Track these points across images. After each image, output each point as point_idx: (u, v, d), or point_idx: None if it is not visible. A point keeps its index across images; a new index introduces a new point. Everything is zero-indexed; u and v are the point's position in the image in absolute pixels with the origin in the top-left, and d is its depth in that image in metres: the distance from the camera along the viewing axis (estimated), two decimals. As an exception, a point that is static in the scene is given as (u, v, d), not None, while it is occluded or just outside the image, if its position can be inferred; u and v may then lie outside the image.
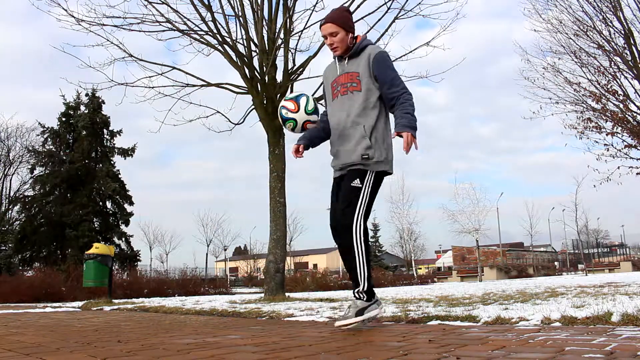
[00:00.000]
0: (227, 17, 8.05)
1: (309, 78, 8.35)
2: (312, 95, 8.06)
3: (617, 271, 32.04)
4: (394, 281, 27.35)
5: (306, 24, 8.06)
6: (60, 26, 7.95)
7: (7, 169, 29.25)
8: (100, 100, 28.75)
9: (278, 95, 7.96)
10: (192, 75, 8.23)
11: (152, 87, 8.27)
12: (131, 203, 28.90)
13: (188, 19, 7.94)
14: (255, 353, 2.05)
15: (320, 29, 2.98)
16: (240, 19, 7.97)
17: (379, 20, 8.09)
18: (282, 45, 7.94)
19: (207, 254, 40.28)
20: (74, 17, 7.80)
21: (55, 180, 26.95)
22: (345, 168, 2.91)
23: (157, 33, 8.00)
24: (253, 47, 8.04)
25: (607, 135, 10.20)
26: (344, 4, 7.83)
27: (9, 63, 61.55)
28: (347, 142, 2.88)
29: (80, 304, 8.39)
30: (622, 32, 9.80)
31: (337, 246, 2.96)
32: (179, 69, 8.21)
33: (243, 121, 8.60)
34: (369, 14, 8.10)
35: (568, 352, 1.78)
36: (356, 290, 2.81)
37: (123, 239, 28.06)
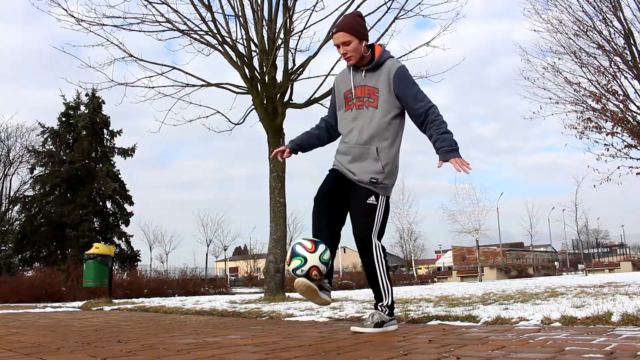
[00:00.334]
0: (227, 17, 8.06)
1: (309, 78, 8.36)
2: (312, 95, 8.09)
3: (617, 271, 32.03)
4: (394, 281, 27.31)
5: (306, 24, 8.07)
6: (60, 26, 7.97)
7: (7, 169, 29.28)
8: (100, 100, 28.75)
9: (278, 95, 7.96)
10: (192, 75, 8.24)
11: (152, 87, 8.28)
12: (131, 203, 28.91)
13: (188, 19, 7.95)
14: (255, 353, 2.05)
15: (332, 37, 2.84)
16: (240, 19, 7.98)
17: (379, 20, 8.10)
18: (282, 45, 7.94)
19: (207, 254, 40.31)
20: (74, 17, 7.81)
21: (55, 180, 26.95)
22: (358, 182, 2.80)
23: (157, 33, 8.02)
24: (253, 47, 8.04)
25: (607, 135, 10.21)
26: (344, 3, 7.85)
27: (9, 63, 61.58)
28: (360, 160, 2.79)
29: (80, 304, 8.39)
30: (622, 32, 9.81)
31: (316, 210, 2.86)
32: (179, 69, 8.22)
33: (243, 121, 8.61)
34: (369, 14, 8.12)
35: (568, 352, 1.78)
36: (379, 304, 2.75)
37: (123, 239, 28.06)
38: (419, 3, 7.92)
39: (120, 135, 29.38)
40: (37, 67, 64.48)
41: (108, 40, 7.98)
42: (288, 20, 7.89)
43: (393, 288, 2.85)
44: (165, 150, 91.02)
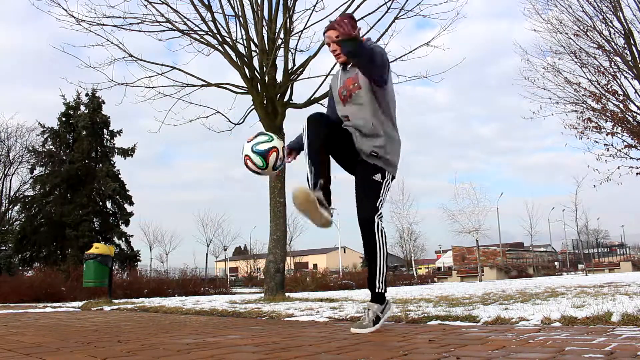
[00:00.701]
0: (227, 17, 8.06)
1: (309, 78, 8.37)
2: (312, 95, 8.09)
3: (617, 271, 32.04)
4: (394, 281, 27.34)
5: (306, 24, 8.07)
6: (60, 26, 7.96)
7: (7, 169, 29.24)
8: (100, 100, 28.75)
9: (278, 95, 7.96)
10: (192, 75, 8.24)
11: (152, 87, 8.28)
12: (131, 203, 28.91)
13: (188, 19, 7.95)
14: (255, 353, 2.05)
15: (323, 35, 2.96)
16: (240, 19, 7.98)
17: (379, 20, 8.09)
18: (282, 45, 7.94)
19: (207, 254, 40.30)
20: (74, 17, 7.81)
21: (55, 180, 26.96)
22: (364, 154, 2.87)
23: (157, 33, 8.02)
24: (253, 47, 8.04)
25: (607, 135, 10.22)
26: (344, 3, 7.86)
27: (9, 63, 61.58)
28: (358, 141, 2.88)
29: (80, 304, 8.39)
30: (622, 32, 9.81)
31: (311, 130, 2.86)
32: (179, 69, 8.22)
33: (243, 121, 8.61)
34: (369, 14, 8.12)
35: (568, 352, 1.78)
36: (377, 289, 2.79)
37: (123, 239, 28.06)
38: (419, 3, 7.92)
39: (120, 135, 29.41)
40: (37, 67, 64.52)
41: (108, 40, 7.99)
42: (288, 20, 7.89)
43: (389, 284, 2.91)
44: (165, 150, 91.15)
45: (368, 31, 7.94)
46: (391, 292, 8.73)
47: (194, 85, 8.27)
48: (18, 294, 13.91)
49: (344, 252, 49.86)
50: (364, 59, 2.68)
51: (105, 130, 29.09)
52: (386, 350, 2.03)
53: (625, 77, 10.06)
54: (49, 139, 28.31)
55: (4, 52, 55.63)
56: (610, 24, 9.90)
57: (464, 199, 30.61)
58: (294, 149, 3.15)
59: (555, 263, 46.05)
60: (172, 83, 8.26)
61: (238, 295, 11.99)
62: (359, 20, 7.73)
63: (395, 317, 3.41)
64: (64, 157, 27.91)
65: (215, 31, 7.86)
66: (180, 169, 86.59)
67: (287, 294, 7.75)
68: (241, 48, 8.05)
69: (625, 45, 9.83)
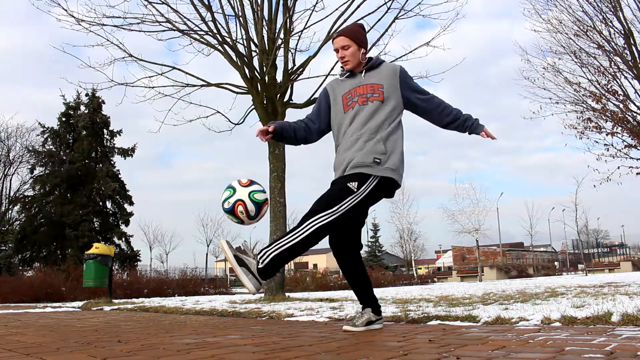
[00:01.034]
0: (227, 17, 8.06)
1: (309, 78, 8.36)
2: (312, 95, 8.09)
3: (617, 271, 32.02)
4: (394, 281, 27.33)
5: (306, 24, 8.07)
6: (60, 26, 7.97)
7: (7, 169, 29.24)
8: (100, 100, 28.73)
9: (278, 96, 7.96)
10: (192, 75, 8.24)
11: (152, 87, 8.28)
12: (131, 203, 28.89)
13: (188, 19, 7.95)
14: (255, 353, 2.05)
15: (332, 42, 2.95)
16: (240, 19, 7.98)
17: (379, 20, 8.09)
18: (282, 45, 7.94)
19: (207, 254, 40.30)
20: (74, 17, 7.81)
21: (55, 180, 26.94)
22: (348, 169, 2.73)
23: (157, 33, 8.02)
24: (253, 47, 8.04)
25: (607, 135, 10.22)
26: (344, 3, 7.86)
27: (9, 63, 61.57)
28: (362, 150, 2.74)
29: (80, 304, 8.39)
30: (622, 32, 9.81)
31: (342, 266, 2.96)
32: (179, 69, 8.22)
33: (243, 121, 8.61)
34: (369, 14, 8.11)
35: (568, 352, 1.78)
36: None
37: (123, 239, 28.03)
38: (419, 3, 7.92)
39: (120, 135, 29.37)
40: (37, 67, 64.55)
41: (108, 40, 7.99)
42: (288, 20, 7.89)
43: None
44: (165, 150, 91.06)
45: (368, 31, 7.93)
46: (391, 292, 8.73)
47: (194, 85, 8.28)
48: (18, 294, 13.91)
49: (344, 252, 49.74)
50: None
51: (105, 130, 29.07)
52: (386, 350, 2.03)
53: (625, 77, 10.06)
54: (49, 139, 28.29)
55: (4, 52, 55.65)
56: (610, 24, 9.91)
57: (464, 199, 30.61)
58: (275, 127, 2.87)
59: (555, 263, 46.02)
60: (172, 83, 8.27)
61: (238, 295, 11.99)
62: (358, 20, 7.77)
63: (395, 317, 3.41)
64: (64, 157, 27.89)
65: (215, 31, 7.87)
66: (180, 169, 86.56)
67: (287, 294, 7.75)
68: (241, 48, 8.06)
69: (625, 45, 9.83)
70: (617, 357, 1.65)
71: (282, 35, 7.95)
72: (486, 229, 31.33)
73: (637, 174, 10.22)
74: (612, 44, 9.96)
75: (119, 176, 28.74)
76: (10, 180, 29.40)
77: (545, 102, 10.94)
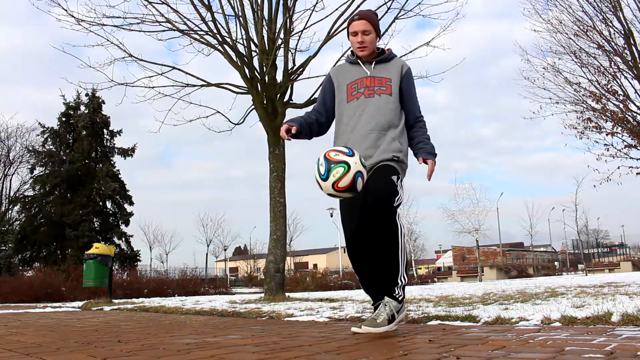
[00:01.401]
0: (227, 17, 8.05)
1: (309, 78, 8.36)
2: (312, 95, 8.09)
3: (617, 271, 32.01)
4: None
5: (306, 24, 8.06)
6: (60, 26, 7.96)
7: (7, 169, 29.24)
8: (100, 100, 28.74)
9: (278, 95, 7.96)
10: (192, 75, 8.24)
11: (152, 87, 8.28)
12: (131, 203, 28.90)
13: (188, 19, 7.95)
14: (255, 353, 2.05)
15: (350, 25, 2.82)
16: (240, 19, 7.97)
17: (379, 20, 8.08)
18: (282, 45, 7.94)
19: (207, 254, 40.32)
20: (74, 17, 7.81)
21: (55, 180, 26.95)
22: (374, 167, 2.70)
23: (157, 33, 8.01)
24: (253, 47, 8.04)
25: (607, 135, 10.21)
26: (344, 3, 7.85)
27: (9, 63, 61.57)
28: (378, 144, 2.73)
29: (80, 304, 8.39)
30: (622, 32, 9.81)
31: (353, 260, 2.81)
32: (179, 69, 8.22)
33: (243, 121, 8.61)
34: (369, 14, 8.09)
35: (568, 352, 1.78)
36: (397, 287, 2.56)
37: (123, 239, 28.04)
38: (419, 3, 7.92)
39: (120, 135, 29.39)
40: (37, 67, 64.59)
41: (108, 40, 7.99)
42: (288, 20, 7.89)
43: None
44: (165, 150, 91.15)
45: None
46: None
47: (194, 85, 8.28)
48: (18, 294, 13.91)
49: (344, 252, 49.72)
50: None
51: (105, 130, 29.08)
52: (386, 350, 2.03)
53: (625, 77, 10.06)
54: (49, 139, 28.30)
55: (4, 52, 55.66)
56: (610, 24, 9.90)
57: (464, 199, 30.56)
58: (297, 126, 2.78)
59: (555, 263, 46.02)
60: (172, 83, 8.26)
61: (238, 295, 11.99)
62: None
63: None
64: (64, 157, 27.90)
65: (215, 31, 7.86)
66: (180, 169, 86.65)
67: (287, 294, 7.75)
68: (241, 48, 8.05)
69: (625, 45, 9.83)
70: (617, 357, 1.65)
71: (282, 35, 7.94)
72: (486, 229, 31.34)
73: (637, 174, 10.22)
74: (612, 44, 9.96)
75: (119, 176, 28.75)
76: (10, 180, 29.43)
77: (545, 102, 10.95)
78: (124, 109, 77.53)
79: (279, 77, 8.01)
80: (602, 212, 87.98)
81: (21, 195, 28.82)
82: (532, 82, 11.02)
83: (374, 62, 2.86)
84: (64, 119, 28.56)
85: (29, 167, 28.56)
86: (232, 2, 7.96)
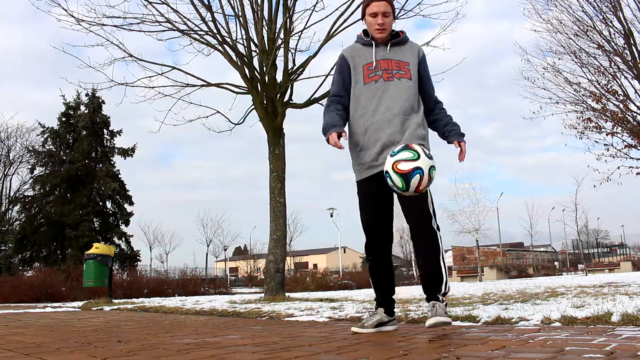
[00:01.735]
0: (227, 17, 8.06)
1: (309, 78, 8.35)
2: (312, 95, 8.09)
3: (617, 271, 32.00)
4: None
5: (306, 24, 8.07)
6: (60, 26, 7.96)
7: (7, 169, 29.27)
8: (100, 100, 28.71)
9: (278, 95, 7.96)
10: (192, 75, 8.24)
11: (152, 87, 8.28)
12: (131, 203, 28.89)
13: (188, 19, 7.95)
14: (255, 353, 2.05)
15: (369, 5, 2.71)
16: (240, 19, 7.98)
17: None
18: (282, 45, 7.94)
19: (207, 254, 40.28)
20: (74, 17, 7.81)
21: (55, 180, 26.94)
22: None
23: (157, 33, 8.02)
24: (253, 47, 8.04)
25: (607, 135, 10.21)
26: (344, 3, 7.86)
27: (9, 63, 61.57)
28: (402, 133, 2.63)
29: (80, 304, 8.39)
30: (622, 32, 9.80)
31: (370, 258, 2.77)
32: (179, 69, 8.22)
33: (243, 121, 8.61)
34: (369, 14, 8.09)
35: (568, 352, 1.78)
36: (441, 293, 2.48)
37: (123, 239, 28.04)
38: (419, 3, 7.91)
39: (120, 135, 29.37)
40: (37, 67, 64.53)
41: (108, 40, 7.99)
42: (288, 20, 7.89)
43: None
44: (165, 150, 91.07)
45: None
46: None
47: (194, 85, 8.28)
48: (18, 294, 13.90)
49: (344, 252, 49.83)
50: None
51: (105, 130, 29.07)
52: (386, 350, 2.03)
53: (625, 77, 10.06)
54: (49, 139, 28.29)
55: (4, 52, 55.66)
56: (610, 24, 9.90)
57: (464, 199, 30.50)
58: (344, 131, 2.68)
59: (555, 263, 46.01)
60: (172, 83, 8.27)
61: (238, 295, 11.99)
62: (358, 20, 7.77)
63: (395, 317, 3.41)
64: (64, 157, 27.89)
65: (215, 31, 7.87)
66: (180, 169, 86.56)
67: (287, 294, 7.75)
68: (241, 48, 8.06)
69: (625, 45, 9.83)
70: (617, 357, 1.65)
71: (282, 35, 7.95)
72: (486, 229, 31.30)
73: (637, 174, 10.21)
74: (612, 44, 9.96)
75: (119, 176, 28.74)
76: (10, 180, 29.45)
77: (545, 102, 10.94)
78: (124, 109, 77.52)
79: (279, 77, 8.01)
80: (602, 212, 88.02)
81: (21, 195, 28.83)
82: (532, 82, 11.02)
83: (389, 44, 2.78)
84: (64, 119, 28.55)
85: (29, 167, 28.59)
86: (232, 2, 7.97)
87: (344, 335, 2.64)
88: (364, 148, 2.71)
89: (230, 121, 8.51)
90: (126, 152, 28.84)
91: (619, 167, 10.26)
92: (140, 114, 68.81)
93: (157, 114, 8.76)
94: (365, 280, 23.94)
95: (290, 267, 38.72)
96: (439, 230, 2.61)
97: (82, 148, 27.45)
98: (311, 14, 7.94)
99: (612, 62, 10.05)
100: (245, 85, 8.05)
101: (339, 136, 2.62)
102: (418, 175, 2.32)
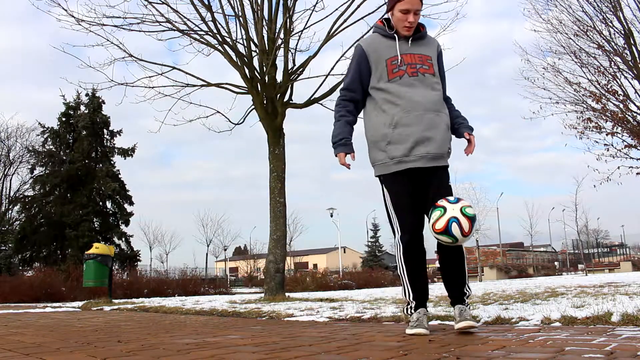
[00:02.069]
0: (227, 17, 8.06)
1: (309, 78, 8.35)
2: (312, 95, 8.09)
3: (617, 271, 32.01)
4: (394, 281, 27.30)
5: (306, 24, 8.06)
6: (60, 26, 7.96)
7: (7, 169, 29.26)
8: (100, 100, 28.70)
9: (278, 95, 7.96)
10: (192, 75, 8.24)
11: (152, 87, 8.28)
12: (131, 203, 28.89)
13: (188, 19, 7.95)
14: (255, 353, 2.05)
15: (402, 1, 2.61)
16: (240, 19, 7.97)
17: (380, 19, 8.08)
18: (282, 45, 7.94)
19: (207, 254, 40.30)
20: (74, 17, 7.81)
21: (55, 180, 26.94)
22: (438, 158, 2.64)
23: (157, 33, 8.02)
24: (253, 47, 8.04)
25: (607, 135, 10.21)
26: (344, 3, 7.85)
27: (9, 63, 61.57)
28: (436, 129, 2.63)
29: (80, 304, 8.39)
30: (622, 32, 9.80)
31: (413, 257, 2.72)
32: (179, 69, 8.22)
33: (243, 121, 8.61)
34: (369, 14, 8.08)
35: (568, 352, 1.78)
36: (466, 296, 2.66)
37: (123, 239, 28.03)
38: (419, 3, 7.90)
39: (120, 135, 29.36)
40: (37, 67, 64.57)
41: (108, 40, 7.99)
42: (288, 20, 7.89)
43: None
44: (165, 150, 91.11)
45: (368, 31, 7.94)
46: (391, 293, 8.73)
47: (194, 85, 8.28)
48: (18, 294, 13.90)
49: (344, 252, 49.85)
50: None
51: (105, 130, 29.06)
52: (386, 350, 2.03)
53: (625, 77, 10.05)
54: (49, 139, 28.28)
55: (4, 52, 55.68)
56: (610, 24, 9.90)
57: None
58: (351, 140, 2.72)
59: (555, 263, 46.00)
60: (172, 83, 8.27)
61: (238, 295, 11.99)
62: (359, 20, 7.77)
63: (395, 317, 3.42)
64: (64, 157, 27.89)
65: (215, 31, 7.86)
66: (180, 169, 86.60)
67: (287, 294, 7.74)
68: (241, 48, 8.05)
69: (625, 45, 9.83)
70: (617, 357, 1.65)
71: (282, 35, 7.94)
72: (486, 229, 31.36)
73: (637, 174, 10.21)
74: (612, 44, 9.96)
75: (119, 176, 28.73)
76: (10, 180, 29.45)
77: (545, 102, 10.94)
78: (124, 109, 77.51)
79: (279, 77, 8.01)
80: (602, 212, 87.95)
81: (21, 195, 28.83)
82: (532, 82, 11.02)
83: (410, 39, 2.72)
84: (64, 119, 28.54)
85: (29, 167, 28.58)
86: (232, 2, 7.97)
87: (344, 335, 2.64)
88: (392, 142, 2.63)
89: (230, 121, 8.52)
90: (126, 152, 28.83)
91: (619, 167, 10.26)
92: (140, 114, 68.83)
93: (157, 114, 8.77)
94: (364, 280, 23.95)
95: (290, 267, 38.71)
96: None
97: (82, 148, 27.44)
98: (311, 14, 7.94)
99: (612, 62, 10.05)
100: (245, 85, 8.05)
101: (348, 157, 2.69)
102: (455, 224, 2.43)
